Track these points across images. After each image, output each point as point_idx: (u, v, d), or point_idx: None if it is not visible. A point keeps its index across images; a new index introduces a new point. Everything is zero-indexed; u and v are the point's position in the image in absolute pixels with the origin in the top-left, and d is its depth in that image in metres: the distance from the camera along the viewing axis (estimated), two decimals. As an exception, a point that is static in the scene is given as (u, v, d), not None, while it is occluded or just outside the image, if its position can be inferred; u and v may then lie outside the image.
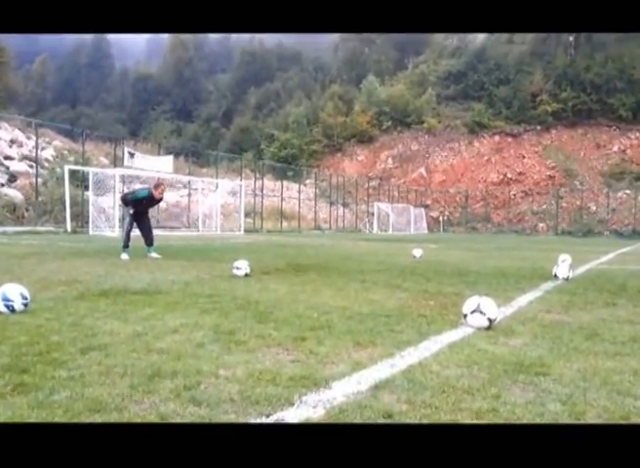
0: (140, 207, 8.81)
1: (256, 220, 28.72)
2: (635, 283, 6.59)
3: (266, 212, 30.41)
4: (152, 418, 1.89)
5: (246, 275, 6.17)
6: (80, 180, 20.84)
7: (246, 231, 24.63)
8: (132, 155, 22.62)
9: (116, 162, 23.03)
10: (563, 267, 6.94)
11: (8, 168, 21.72)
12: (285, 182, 34.68)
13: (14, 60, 45.10)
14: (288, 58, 79.29)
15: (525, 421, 1.96)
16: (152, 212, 26.27)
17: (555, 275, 6.79)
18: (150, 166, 23.41)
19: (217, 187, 26.82)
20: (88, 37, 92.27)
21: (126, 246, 8.62)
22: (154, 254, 8.82)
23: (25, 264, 7.05)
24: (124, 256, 8.38)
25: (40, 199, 20.17)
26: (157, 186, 8.99)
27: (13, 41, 54.32)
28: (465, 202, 45.81)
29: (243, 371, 2.48)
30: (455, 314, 4.00)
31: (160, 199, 9.18)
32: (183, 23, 1.59)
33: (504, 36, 57.38)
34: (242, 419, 1.91)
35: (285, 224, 31.22)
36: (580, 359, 2.86)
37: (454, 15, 1.55)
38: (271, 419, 1.92)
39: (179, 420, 1.88)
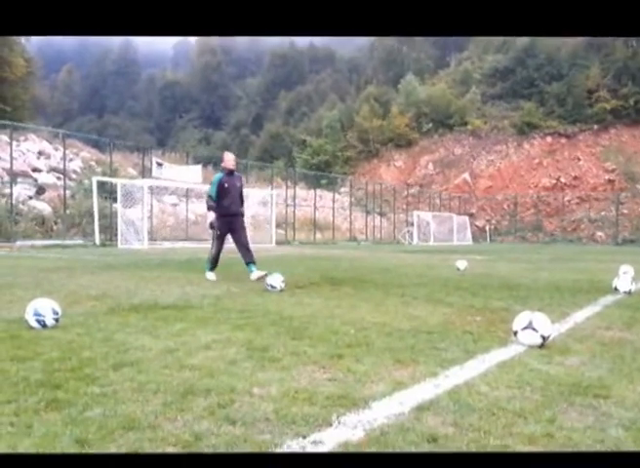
0: (226, 197, 7.66)
1: (288, 232, 28.95)
2: None
3: (299, 222, 30.61)
4: (186, 437, 1.95)
5: (281, 290, 6.24)
6: (108, 192, 21.53)
7: (277, 243, 24.84)
8: (160, 165, 23.21)
9: (144, 172, 23.66)
10: (624, 280, 6.77)
11: (36, 180, 22.65)
12: (318, 191, 34.85)
13: (40, 70, 47.17)
14: (320, 59, 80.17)
15: (584, 448, 1.94)
16: (181, 224, 26.43)
17: (616, 288, 6.63)
18: (179, 176, 23.95)
19: (246, 197, 27.20)
20: (114, 44, 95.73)
21: (213, 267, 7.76)
22: (257, 273, 7.47)
23: (55, 278, 7.34)
24: (210, 276, 7.64)
25: (68, 212, 20.90)
26: (223, 159, 7.94)
27: (39, 50, 56.92)
28: (514, 209, 44.97)
29: (278, 390, 2.53)
30: (504, 331, 3.96)
31: (234, 170, 7.93)
32: (214, 26, 1.65)
33: (556, 29, 56.20)
34: (278, 440, 1.95)
35: (319, 235, 31.34)
36: (645, 380, 2.79)
37: (472, 17, 1.58)
38: (308, 440, 1.96)
39: (213, 440, 1.94)
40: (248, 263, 7.67)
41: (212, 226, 7.69)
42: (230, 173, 7.88)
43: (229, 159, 7.91)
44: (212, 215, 7.64)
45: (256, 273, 7.46)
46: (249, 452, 1.83)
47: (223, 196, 7.69)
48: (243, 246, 7.75)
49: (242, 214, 8.03)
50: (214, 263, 7.77)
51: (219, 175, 7.83)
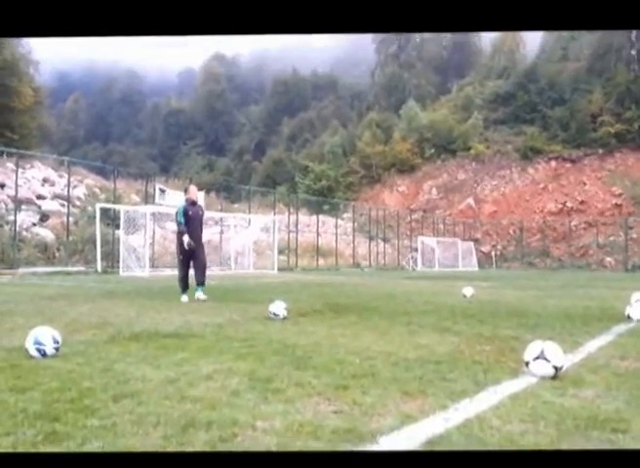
0: (192, 225, 8.77)
1: (290, 258, 28.90)
2: None
3: (301, 248, 30.57)
4: (187, 474, 1.89)
5: (283, 318, 6.18)
6: (111, 219, 21.63)
7: (280, 269, 24.77)
8: (163, 192, 23.35)
9: (147, 199, 23.78)
10: (638, 307, 6.67)
11: (40, 207, 22.79)
12: (321, 217, 34.91)
13: (48, 99, 47.96)
14: (323, 85, 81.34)
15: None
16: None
17: (629, 316, 6.52)
18: (181, 203, 24.06)
19: (249, 223, 27.26)
20: (120, 73, 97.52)
21: (185, 289, 8.70)
22: (201, 295, 8.62)
23: (56, 306, 7.30)
24: (184, 299, 8.49)
25: (71, 238, 20.99)
26: (185, 191, 9.49)
27: (47, 80, 58.00)
28: (520, 234, 44.87)
29: (281, 423, 2.46)
30: (514, 361, 3.88)
31: (196, 201, 9.26)
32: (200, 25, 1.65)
33: (557, 53, 57.19)
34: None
35: (321, 262, 31.27)
36: (665, 413, 2.71)
37: (461, 13, 1.58)
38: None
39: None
40: (199, 284, 8.69)
41: (190, 246, 8.67)
42: (193, 203, 9.07)
43: (194, 191, 9.33)
44: (186, 238, 8.66)
45: (201, 295, 8.50)
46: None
47: (190, 224, 8.76)
48: (202, 267, 8.87)
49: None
50: (184, 286, 8.68)
51: (183, 205, 9.01)
